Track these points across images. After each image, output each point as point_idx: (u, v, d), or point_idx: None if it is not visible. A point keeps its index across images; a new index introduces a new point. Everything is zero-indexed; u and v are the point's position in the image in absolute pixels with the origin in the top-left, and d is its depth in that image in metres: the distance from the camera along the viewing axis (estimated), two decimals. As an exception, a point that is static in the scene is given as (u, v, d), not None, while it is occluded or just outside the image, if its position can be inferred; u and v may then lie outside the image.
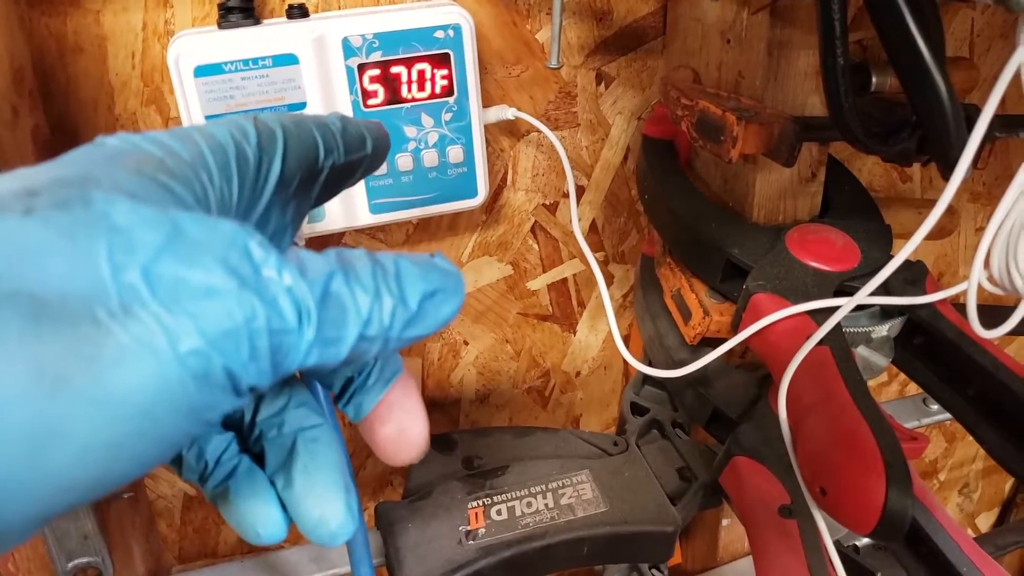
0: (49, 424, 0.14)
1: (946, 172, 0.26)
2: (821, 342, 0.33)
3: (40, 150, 0.39)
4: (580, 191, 0.54)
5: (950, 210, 0.40)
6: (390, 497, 0.57)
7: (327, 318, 0.18)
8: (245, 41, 0.38)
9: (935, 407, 0.64)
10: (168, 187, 0.18)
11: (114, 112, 0.42)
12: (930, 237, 0.29)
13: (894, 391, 0.77)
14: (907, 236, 0.27)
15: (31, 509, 0.15)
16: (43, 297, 0.15)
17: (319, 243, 0.49)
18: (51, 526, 0.45)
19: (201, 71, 0.38)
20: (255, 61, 0.38)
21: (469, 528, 0.43)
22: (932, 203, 0.26)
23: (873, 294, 0.31)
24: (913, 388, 0.77)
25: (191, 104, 0.38)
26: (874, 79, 0.38)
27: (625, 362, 0.64)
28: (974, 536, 0.81)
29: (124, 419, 0.15)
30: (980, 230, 0.68)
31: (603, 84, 0.51)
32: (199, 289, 0.16)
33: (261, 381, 0.17)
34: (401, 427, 0.22)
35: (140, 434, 0.16)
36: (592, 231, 0.56)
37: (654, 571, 0.56)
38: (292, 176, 0.22)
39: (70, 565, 0.45)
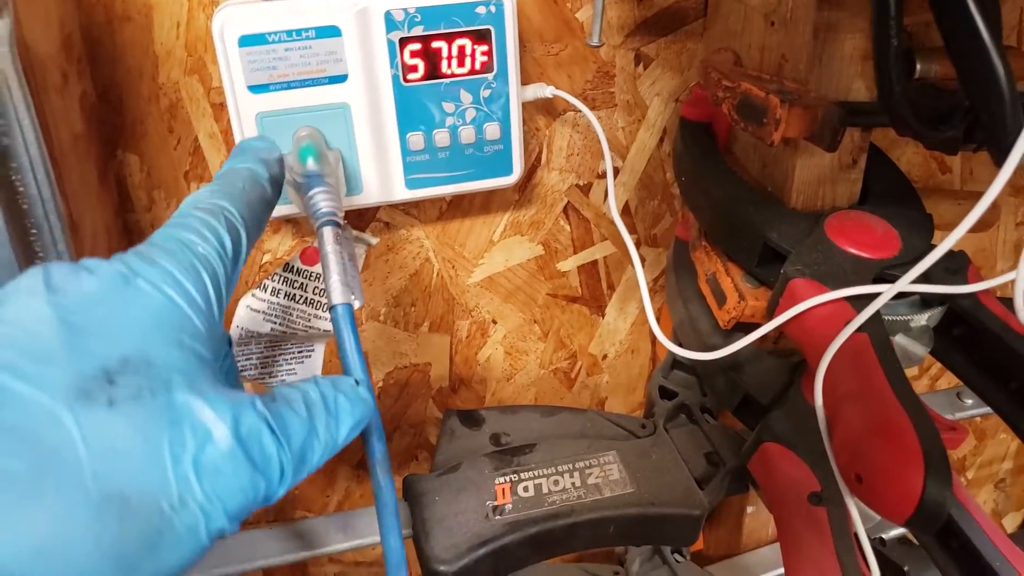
0: None
1: (1000, 158, 0.26)
2: (860, 329, 0.32)
3: (87, 116, 0.40)
4: (615, 172, 0.54)
5: (992, 202, 0.39)
6: (416, 470, 0.58)
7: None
8: (289, 12, 0.38)
9: (969, 402, 0.63)
10: (200, 356, 0.22)
11: (158, 81, 0.43)
12: (971, 229, 0.29)
13: (924, 385, 0.76)
14: (945, 227, 0.27)
15: None
16: (128, 496, 0.19)
17: (355, 216, 0.49)
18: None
19: (245, 41, 0.38)
20: (298, 32, 0.38)
21: (496, 503, 0.43)
22: (972, 194, 0.25)
23: (914, 282, 0.31)
24: (943, 383, 0.76)
25: (234, 74, 0.38)
26: (919, 65, 0.37)
27: (652, 347, 0.63)
28: (1000, 534, 0.80)
29: None
30: (1020, 224, 0.66)
31: (642, 65, 0.51)
32: (229, 477, 0.21)
33: (233, 530, 0.22)
34: None
35: None
36: (625, 213, 0.56)
37: (676, 555, 0.56)
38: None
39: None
